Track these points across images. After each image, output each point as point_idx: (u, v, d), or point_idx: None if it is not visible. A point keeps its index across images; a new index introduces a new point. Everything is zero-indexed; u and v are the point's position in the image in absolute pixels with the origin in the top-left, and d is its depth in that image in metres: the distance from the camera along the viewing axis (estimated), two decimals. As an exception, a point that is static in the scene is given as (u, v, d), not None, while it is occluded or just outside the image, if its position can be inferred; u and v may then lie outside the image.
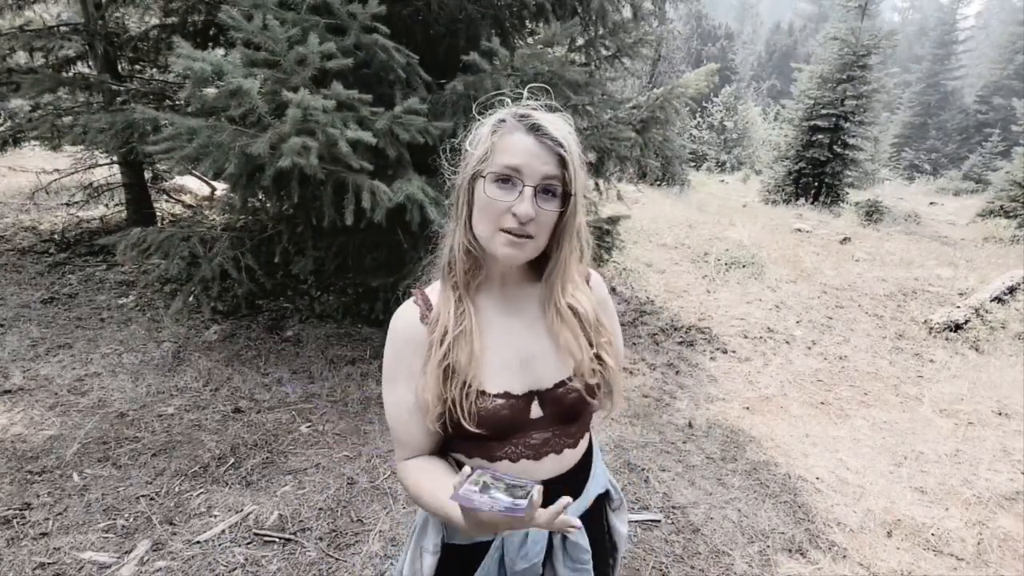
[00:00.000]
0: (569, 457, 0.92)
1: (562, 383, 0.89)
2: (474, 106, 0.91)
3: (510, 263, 0.83)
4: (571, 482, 0.94)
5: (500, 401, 0.85)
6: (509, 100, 0.87)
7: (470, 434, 0.85)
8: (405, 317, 0.90)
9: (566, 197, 0.81)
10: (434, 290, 0.92)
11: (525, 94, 0.88)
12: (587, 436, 0.98)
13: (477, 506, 0.69)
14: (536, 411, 0.88)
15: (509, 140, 0.80)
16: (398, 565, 1.04)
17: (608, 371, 0.91)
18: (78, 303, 3.95)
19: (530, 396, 0.88)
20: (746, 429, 3.11)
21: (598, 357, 0.91)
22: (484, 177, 0.80)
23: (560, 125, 0.81)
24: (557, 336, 0.89)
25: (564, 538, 0.92)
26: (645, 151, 3.72)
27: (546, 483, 0.89)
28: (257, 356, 3.42)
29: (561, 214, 0.82)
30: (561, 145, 0.79)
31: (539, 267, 0.90)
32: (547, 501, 0.89)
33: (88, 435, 2.55)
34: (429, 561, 0.96)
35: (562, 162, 0.79)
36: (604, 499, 1.07)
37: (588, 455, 0.99)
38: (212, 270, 3.13)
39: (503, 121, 0.82)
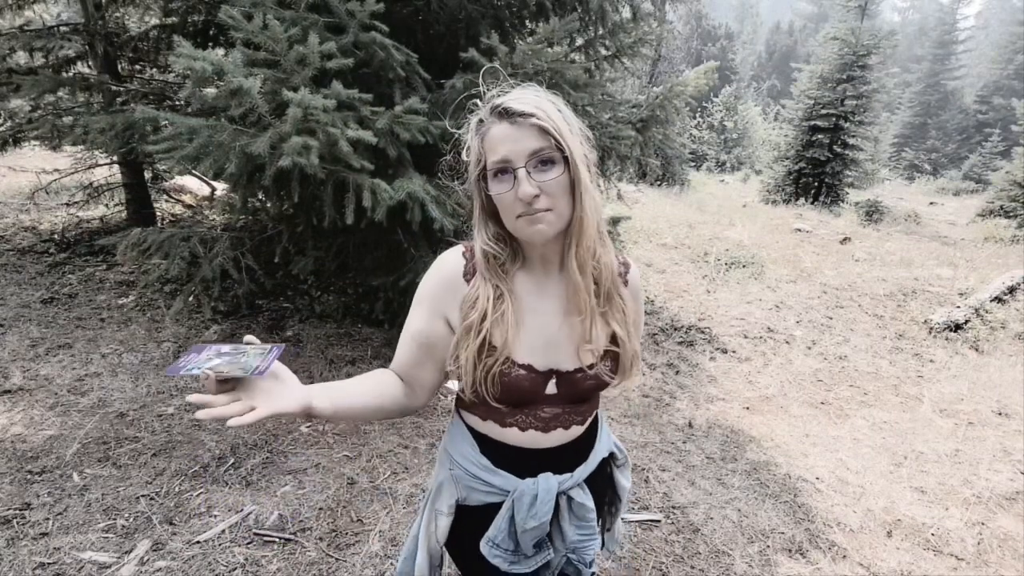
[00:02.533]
0: (576, 431, 0.99)
1: (581, 369, 0.93)
2: (446, 121, 0.93)
3: (541, 240, 0.84)
4: (577, 449, 1.00)
5: (523, 372, 0.90)
6: (480, 101, 0.87)
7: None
8: (452, 263, 0.92)
9: (567, 159, 0.81)
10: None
11: (482, 88, 0.87)
12: (595, 411, 1.04)
13: (183, 365, 0.69)
14: (552, 388, 0.93)
15: (490, 136, 0.82)
16: (412, 529, 1.07)
17: (620, 344, 0.95)
18: (78, 303, 3.95)
19: (549, 373, 0.92)
20: (746, 429, 3.11)
21: (612, 338, 0.94)
22: (484, 179, 0.85)
23: (526, 97, 0.81)
24: (580, 314, 0.91)
25: (570, 499, 0.98)
26: (645, 150, 3.71)
27: (552, 450, 0.97)
28: (257, 356, 3.42)
29: (569, 175, 0.82)
30: (532, 115, 0.78)
31: None
32: (553, 466, 0.97)
33: (88, 435, 2.55)
34: (444, 523, 1.00)
35: (542, 130, 0.78)
36: (609, 459, 1.13)
37: (594, 424, 1.06)
38: (212, 270, 3.13)
39: (481, 121, 0.85)
